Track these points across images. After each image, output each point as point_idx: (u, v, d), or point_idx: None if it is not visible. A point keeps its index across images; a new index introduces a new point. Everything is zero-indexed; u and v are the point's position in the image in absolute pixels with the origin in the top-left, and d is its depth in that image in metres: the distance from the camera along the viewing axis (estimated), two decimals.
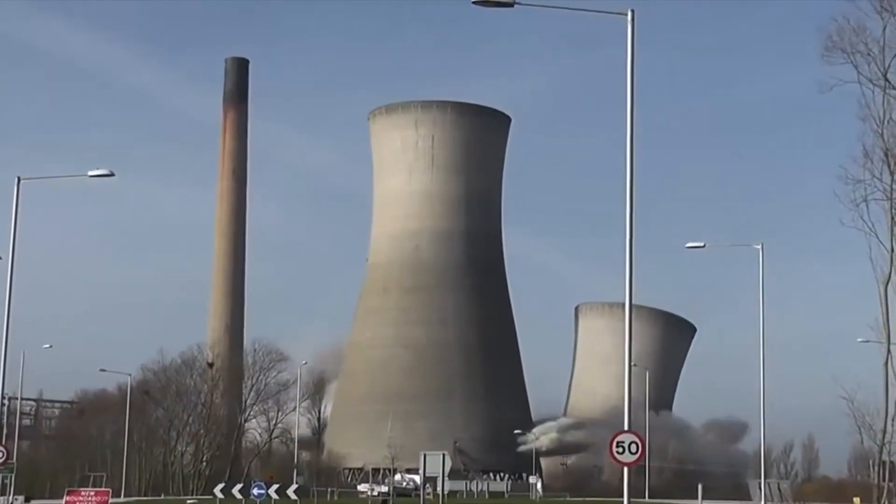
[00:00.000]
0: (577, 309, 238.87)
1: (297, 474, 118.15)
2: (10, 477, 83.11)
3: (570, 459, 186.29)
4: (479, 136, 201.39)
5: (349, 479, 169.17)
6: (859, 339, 59.08)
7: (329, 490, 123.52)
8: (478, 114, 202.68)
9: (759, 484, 75.88)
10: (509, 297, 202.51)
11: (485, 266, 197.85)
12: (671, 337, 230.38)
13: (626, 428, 30.69)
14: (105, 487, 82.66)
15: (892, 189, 51.87)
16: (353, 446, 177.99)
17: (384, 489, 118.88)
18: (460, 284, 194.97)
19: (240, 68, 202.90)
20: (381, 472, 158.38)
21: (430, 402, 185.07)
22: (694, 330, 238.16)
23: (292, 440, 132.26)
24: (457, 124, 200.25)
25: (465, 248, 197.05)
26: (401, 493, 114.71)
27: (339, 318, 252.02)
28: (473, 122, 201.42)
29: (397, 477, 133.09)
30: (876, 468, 59.10)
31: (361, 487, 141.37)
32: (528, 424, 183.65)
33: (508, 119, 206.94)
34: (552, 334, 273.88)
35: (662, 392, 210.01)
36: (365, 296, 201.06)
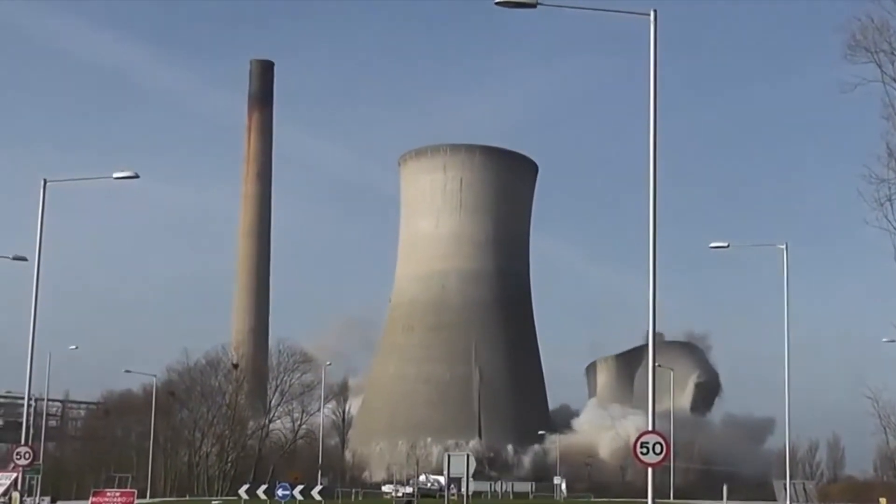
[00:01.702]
0: (589, 367, 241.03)
1: (322, 475, 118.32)
2: (37, 478, 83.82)
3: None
4: (507, 179, 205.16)
5: (372, 479, 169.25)
6: (884, 339, 58.84)
7: (354, 491, 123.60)
8: (505, 157, 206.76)
9: (785, 484, 75.40)
10: (535, 334, 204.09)
11: (511, 304, 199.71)
12: (686, 363, 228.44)
13: (650, 428, 30.58)
14: (131, 488, 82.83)
15: None
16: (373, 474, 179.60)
17: (409, 490, 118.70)
18: (486, 322, 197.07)
19: (265, 70, 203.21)
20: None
21: (451, 434, 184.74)
22: (708, 350, 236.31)
23: (317, 441, 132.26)
24: (485, 167, 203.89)
25: (493, 288, 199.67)
26: (425, 493, 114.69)
27: (357, 317, 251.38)
28: (500, 165, 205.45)
29: (422, 478, 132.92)
30: None
31: (386, 488, 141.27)
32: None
33: (535, 164, 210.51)
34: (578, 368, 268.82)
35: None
36: (388, 333, 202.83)
